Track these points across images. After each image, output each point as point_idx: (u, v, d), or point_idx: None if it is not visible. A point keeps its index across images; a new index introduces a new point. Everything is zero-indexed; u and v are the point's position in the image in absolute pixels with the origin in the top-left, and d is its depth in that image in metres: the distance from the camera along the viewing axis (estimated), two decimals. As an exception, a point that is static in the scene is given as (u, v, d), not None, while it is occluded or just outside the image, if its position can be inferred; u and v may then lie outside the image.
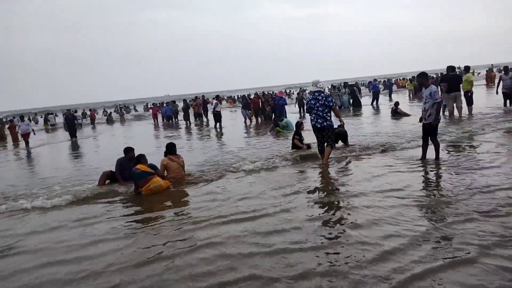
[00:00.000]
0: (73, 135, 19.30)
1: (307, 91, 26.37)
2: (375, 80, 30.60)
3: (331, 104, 7.47)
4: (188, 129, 19.55)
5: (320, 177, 6.87)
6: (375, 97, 22.23)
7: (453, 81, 12.25)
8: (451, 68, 12.75)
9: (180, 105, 26.10)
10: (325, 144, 7.60)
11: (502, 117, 11.19)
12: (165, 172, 7.34)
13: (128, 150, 7.68)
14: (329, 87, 28.60)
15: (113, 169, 7.65)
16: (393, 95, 26.81)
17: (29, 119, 32.65)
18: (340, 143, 9.14)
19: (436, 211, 4.48)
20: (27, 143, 17.53)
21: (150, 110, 31.95)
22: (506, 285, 2.83)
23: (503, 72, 13.93)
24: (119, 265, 3.79)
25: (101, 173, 7.71)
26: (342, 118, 8.30)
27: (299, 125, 9.76)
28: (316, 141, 7.82)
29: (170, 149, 7.52)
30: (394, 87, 32.49)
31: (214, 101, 19.22)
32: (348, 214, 4.67)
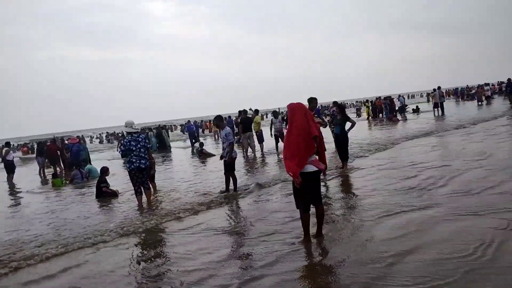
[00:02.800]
0: None
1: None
2: (188, 121, 31.47)
3: (147, 145, 7.61)
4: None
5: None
6: (191, 138, 22.93)
7: (246, 122, 14.05)
8: (244, 112, 14.59)
9: None
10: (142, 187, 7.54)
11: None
12: None
13: None
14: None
15: None
16: (203, 137, 28.44)
17: None
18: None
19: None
20: None
21: None
22: None
23: (272, 116, 14.91)
24: None
25: None
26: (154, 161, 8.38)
27: (106, 170, 9.29)
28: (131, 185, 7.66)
29: None
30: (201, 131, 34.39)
31: (4, 149, 16.09)
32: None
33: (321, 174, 4.82)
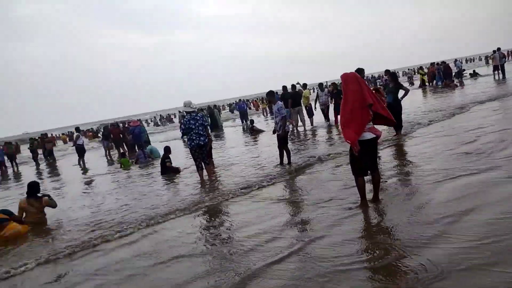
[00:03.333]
0: None
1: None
2: (240, 100, 31.44)
3: (206, 123, 8.10)
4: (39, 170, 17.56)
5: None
6: (242, 117, 23.23)
7: (295, 97, 14.20)
8: (292, 87, 14.71)
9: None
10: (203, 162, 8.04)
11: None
12: (24, 214, 6.62)
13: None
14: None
15: None
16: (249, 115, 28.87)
17: None
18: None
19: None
20: None
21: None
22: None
23: (318, 89, 15.12)
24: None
25: None
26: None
27: (168, 149, 9.98)
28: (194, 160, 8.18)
29: (30, 190, 6.77)
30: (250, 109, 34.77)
31: (75, 134, 17.57)
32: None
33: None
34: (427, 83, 25.91)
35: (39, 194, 6.87)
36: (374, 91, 9.11)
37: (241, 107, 24.41)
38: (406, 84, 30.96)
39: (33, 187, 6.85)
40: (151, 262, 4.26)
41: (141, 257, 4.47)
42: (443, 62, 26.03)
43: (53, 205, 6.90)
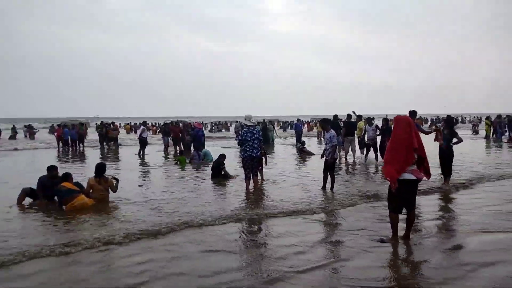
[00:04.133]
0: None
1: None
2: (298, 119, 30.58)
3: (261, 138, 8.78)
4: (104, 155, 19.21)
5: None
6: (297, 137, 22.41)
7: (349, 126, 14.42)
8: (348, 116, 14.99)
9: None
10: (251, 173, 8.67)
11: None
12: (91, 190, 7.60)
13: (51, 169, 7.83)
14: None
15: (33, 186, 7.70)
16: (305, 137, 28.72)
17: None
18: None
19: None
20: None
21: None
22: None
23: (366, 124, 14.41)
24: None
25: (21, 190, 7.69)
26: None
27: (224, 156, 10.83)
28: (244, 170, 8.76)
29: (98, 170, 7.78)
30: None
31: (141, 127, 19.18)
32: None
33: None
34: (491, 135, 24.80)
35: (106, 175, 7.86)
36: (436, 131, 9.32)
37: (298, 127, 24.01)
38: (469, 132, 29.81)
39: (101, 168, 7.86)
40: (198, 249, 4.90)
41: (191, 244, 5.13)
42: (509, 116, 24.77)
43: (114, 189, 7.84)
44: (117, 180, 7.93)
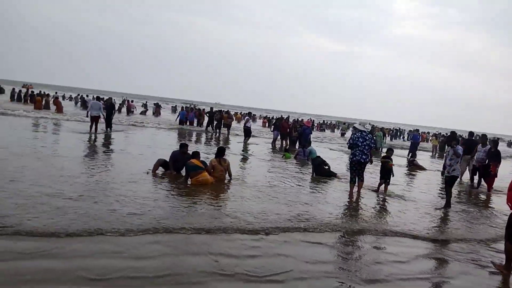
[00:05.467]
0: (109, 125, 17.19)
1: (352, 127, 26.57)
2: (416, 130, 27.65)
3: (372, 145, 8.87)
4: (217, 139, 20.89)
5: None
6: (412, 149, 20.59)
7: (469, 144, 13.30)
8: (470, 133, 13.94)
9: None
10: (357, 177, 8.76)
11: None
12: (212, 170, 8.63)
13: (183, 146, 9.11)
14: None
15: (167, 158, 9.02)
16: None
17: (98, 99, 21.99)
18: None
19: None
20: (96, 128, 16.14)
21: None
22: None
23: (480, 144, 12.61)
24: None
25: (156, 159, 9.07)
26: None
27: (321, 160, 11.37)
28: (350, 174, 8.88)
29: (220, 153, 8.80)
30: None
31: (246, 117, 20.68)
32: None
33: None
34: None
35: (225, 158, 8.84)
36: None
37: (416, 138, 22.05)
38: None
39: (221, 150, 8.90)
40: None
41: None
42: None
43: (230, 173, 8.76)
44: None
